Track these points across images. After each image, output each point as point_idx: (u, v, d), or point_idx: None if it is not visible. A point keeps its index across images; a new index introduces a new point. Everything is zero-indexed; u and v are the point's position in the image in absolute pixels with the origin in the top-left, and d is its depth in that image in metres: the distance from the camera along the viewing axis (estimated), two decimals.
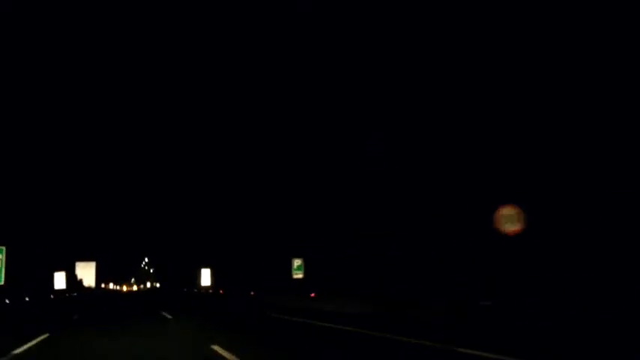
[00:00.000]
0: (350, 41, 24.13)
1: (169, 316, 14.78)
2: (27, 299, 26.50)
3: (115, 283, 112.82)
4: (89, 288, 68.86)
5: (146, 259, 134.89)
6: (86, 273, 70.99)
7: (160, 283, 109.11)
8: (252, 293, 29.10)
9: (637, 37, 12.17)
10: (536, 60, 15.01)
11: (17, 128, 32.57)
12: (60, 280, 50.39)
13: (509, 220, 11.93)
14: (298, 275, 26.74)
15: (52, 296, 37.40)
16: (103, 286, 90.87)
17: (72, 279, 57.79)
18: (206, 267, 54.52)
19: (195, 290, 52.10)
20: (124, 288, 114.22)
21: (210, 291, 47.31)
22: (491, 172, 16.91)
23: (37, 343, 8.52)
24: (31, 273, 38.01)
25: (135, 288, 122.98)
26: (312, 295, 19.62)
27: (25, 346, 8.04)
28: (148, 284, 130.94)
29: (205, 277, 54.19)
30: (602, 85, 13.16)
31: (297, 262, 26.77)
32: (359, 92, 24.68)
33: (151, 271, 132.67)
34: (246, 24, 28.71)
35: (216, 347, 7.38)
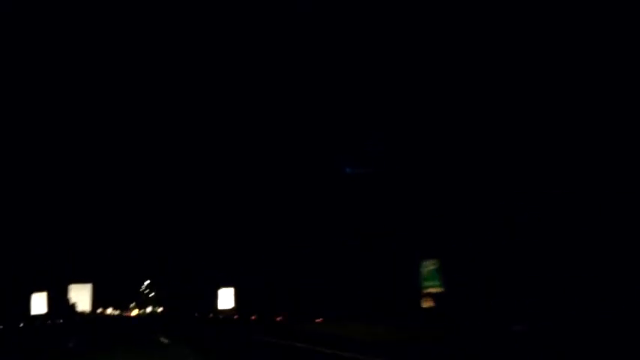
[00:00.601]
0: (350, 41, 24.12)
1: None
2: None
3: (115, 308, 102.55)
4: (82, 313, 62.62)
5: (147, 282, 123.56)
6: (81, 296, 64.79)
7: (164, 307, 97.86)
8: (318, 321, 21.77)
9: (637, 37, 12.17)
10: (537, 59, 15.01)
11: (15, 128, 32.51)
12: (39, 304, 40.70)
13: None
14: (434, 289, 16.00)
15: (21, 324, 30.60)
16: (99, 311, 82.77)
17: (60, 301, 49.24)
18: (227, 286, 43.36)
19: (211, 315, 43.15)
20: (126, 313, 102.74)
21: (236, 317, 37.92)
22: (490, 171, 16.91)
23: None
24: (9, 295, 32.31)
25: (135, 313, 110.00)
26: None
27: None
28: (149, 309, 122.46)
29: (225, 298, 42.55)
30: (602, 85, 13.15)
31: (428, 267, 16.41)
32: (359, 92, 24.68)
33: (152, 295, 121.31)
34: (245, 23, 28.73)
35: None
